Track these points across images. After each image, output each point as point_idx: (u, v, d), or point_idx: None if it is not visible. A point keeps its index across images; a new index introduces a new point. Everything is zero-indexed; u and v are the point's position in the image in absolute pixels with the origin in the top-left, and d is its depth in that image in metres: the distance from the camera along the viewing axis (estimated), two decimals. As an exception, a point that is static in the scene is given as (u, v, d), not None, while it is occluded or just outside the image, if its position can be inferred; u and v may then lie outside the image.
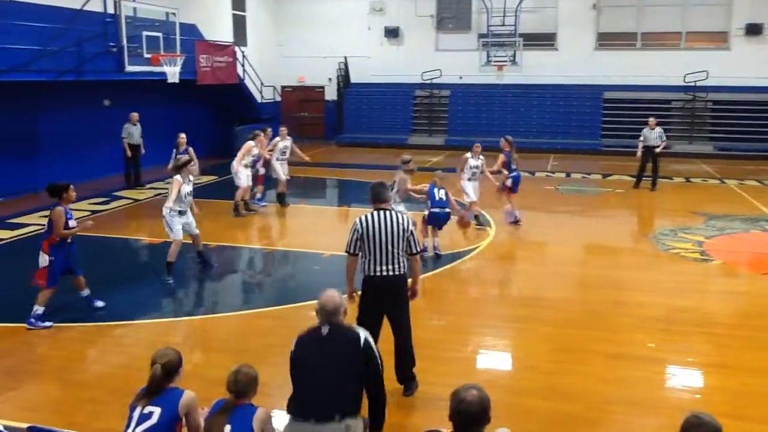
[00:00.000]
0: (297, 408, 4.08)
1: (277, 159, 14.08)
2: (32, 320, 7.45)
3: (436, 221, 10.52)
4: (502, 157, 12.38)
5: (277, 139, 14.24)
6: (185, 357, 4.23)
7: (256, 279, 10.48)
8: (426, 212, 10.54)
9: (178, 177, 9.32)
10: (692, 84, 23.42)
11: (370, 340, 4.24)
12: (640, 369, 6.63)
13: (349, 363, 4.07)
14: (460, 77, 25.94)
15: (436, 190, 10.39)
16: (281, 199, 14.27)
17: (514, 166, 12.31)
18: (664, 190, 16.74)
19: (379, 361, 4.25)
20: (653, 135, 16.48)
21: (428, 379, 6.16)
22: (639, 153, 16.75)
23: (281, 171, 14.14)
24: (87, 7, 14.74)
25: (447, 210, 10.43)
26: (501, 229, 12.28)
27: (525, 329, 7.84)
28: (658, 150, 16.42)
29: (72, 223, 7.74)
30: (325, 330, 4.13)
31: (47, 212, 7.75)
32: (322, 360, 4.06)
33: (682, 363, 6.86)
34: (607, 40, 25.32)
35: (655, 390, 6.31)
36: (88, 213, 13.40)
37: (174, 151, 13.82)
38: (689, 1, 24.34)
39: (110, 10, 15.30)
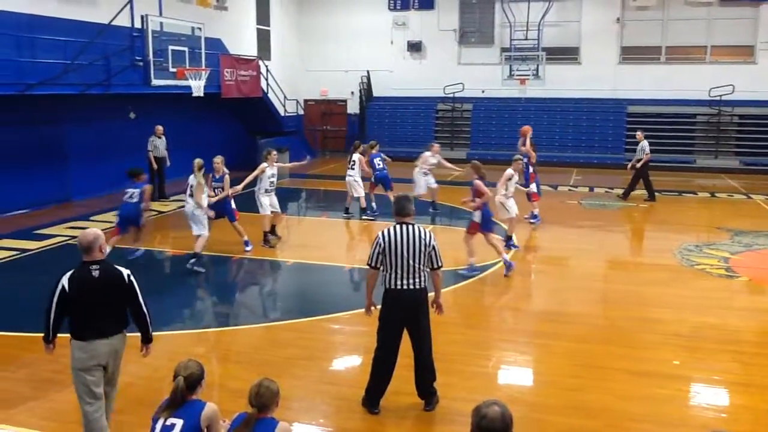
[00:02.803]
0: (83, 332, 4.98)
1: (266, 190, 11.85)
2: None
3: None
4: (365, 159, 14.66)
5: (264, 165, 11.81)
6: (207, 369, 4.26)
7: (278, 292, 10.53)
8: None
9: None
10: (717, 98, 23.17)
11: (132, 275, 5.10)
12: (664, 386, 6.54)
13: (118, 295, 5.04)
14: (483, 91, 25.93)
15: None
16: (266, 238, 12.08)
17: (380, 166, 14.96)
18: (689, 205, 16.56)
19: (137, 288, 5.11)
20: (638, 148, 16.71)
21: (449, 393, 6.14)
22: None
23: (266, 203, 11.91)
24: (114, 22, 14.98)
25: None
26: (523, 244, 12.21)
27: (548, 344, 7.78)
28: (639, 164, 16.55)
29: None
30: (96, 273, 4.92)
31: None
32: (98, 295, 4.94)
33: (708, 381, 6.77)
34: (631, 53, 25.17)
35: (680, 408, 6.22)
36: (113, 225, 13.56)
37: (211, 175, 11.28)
38: (714, 14, 24.14)
39: (137, 24, 15.54)
